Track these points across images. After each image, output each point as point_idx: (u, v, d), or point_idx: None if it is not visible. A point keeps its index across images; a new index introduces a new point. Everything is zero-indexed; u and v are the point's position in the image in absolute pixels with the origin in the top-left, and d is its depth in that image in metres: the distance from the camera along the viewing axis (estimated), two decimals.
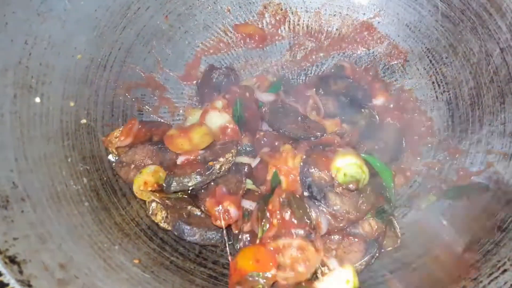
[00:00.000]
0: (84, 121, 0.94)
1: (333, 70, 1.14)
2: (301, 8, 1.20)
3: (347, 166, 0.83)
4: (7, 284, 0.59)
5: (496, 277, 0.67)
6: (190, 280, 0.81)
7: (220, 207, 0.82)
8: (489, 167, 0.89)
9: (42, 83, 0.89)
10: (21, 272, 0.61)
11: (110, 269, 0.74)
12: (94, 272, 0.71)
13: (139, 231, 0.86)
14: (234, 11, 1.17)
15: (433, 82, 1.07)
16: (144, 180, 0.88)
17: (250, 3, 1.19)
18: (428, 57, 1.08)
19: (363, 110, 1.03)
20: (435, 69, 1.07)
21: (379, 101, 1.08)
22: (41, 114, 0.87)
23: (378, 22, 1.16)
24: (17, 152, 0.78)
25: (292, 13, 1.20)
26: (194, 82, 1.14)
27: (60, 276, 0.65)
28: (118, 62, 1.04)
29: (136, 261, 0.79)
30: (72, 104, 0.94)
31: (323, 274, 0.78)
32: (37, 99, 0.87)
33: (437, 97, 1.06)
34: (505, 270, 0.68)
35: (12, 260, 0.62)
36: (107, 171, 0.93)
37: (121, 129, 0.95)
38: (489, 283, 0.67)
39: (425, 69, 1.09)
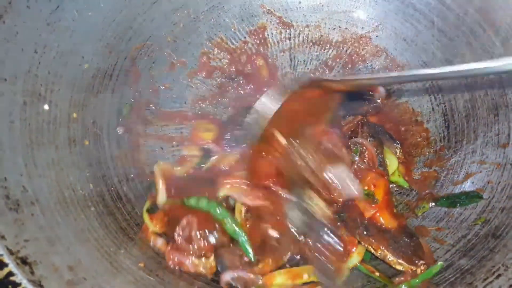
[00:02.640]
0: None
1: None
2: (302, 21, 1.24)
3: None
4: (19, 284, 0.61)
5: (490, 282, 0.70)
6: (192, 283, 0.83)
7: None
8: (483, 177, 0.92)
9: (50, 91, 0.91)
10: (32, 272, 0.63)
11: (116, 272, 0.75)
12: (101, 275, 0.72)
13: (143, 237, 0.88)
14: (237, 23, 1.21)
15: (429, 95, 1.10)
16: None
17: (252, 15, 1.22)
18: (423, 66, 1.11)
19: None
20: (432, 82, 1.10)
21: None
22: (49, 121, 0.89)
23: (376, 36, 1.19)
24: (27, 157, 0.80)
25: (293, 26, 1.24)
26: None
27: (69, 277, 0.67)
28: (124, 72, 1.07)
29: (141, 265, 0.81)
30: (75, 115, 0.96)
31: None
32: (46, 107, 0.89)
33: (433, 109, 1.09)
34: (499, 275, 0.70)
35: (23, 261, 0.64)
36: (112, 178, 0.95)
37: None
38: (484, 287, 0.70)
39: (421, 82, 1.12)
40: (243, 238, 0.86)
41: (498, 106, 0.96)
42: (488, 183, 0.90)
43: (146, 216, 0.90)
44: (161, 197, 0.93)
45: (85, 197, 0.86)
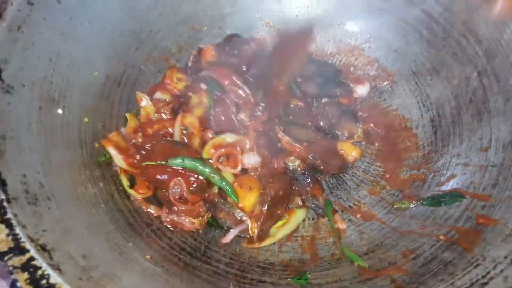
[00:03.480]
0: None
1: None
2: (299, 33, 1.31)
3: None
4: (40, 267, 0.67)
5: (469, 271, 0.76)
6: (196, 275, 0.88)
7: None
8: (466, 178, 0.98)
9: (64, 97, 0.98)
10: (51, 258, 0.69)
11: (125, 262, 0.81)
12: (111, 264, 0.78)
13: (149, 232, 0.95)
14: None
15: (418, 102, 1.17)
16: None
17: (251, 28, 1.30)
18: (414, 79, 1.19)
19: None
20: (420, 90, 1.17)
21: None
22: (62, 124, 0.95)
23: (369, 47, 1.27)
24: (43, 156, 0.86)
25: None
26: None
27: (83, 264, 0.73)
28: (131, 79, 1.14)
29: (148, 257, 0.86)
30: (86, 119, 1.02)
31: None
32: (59, 111, 0.96)
33: (421, 115, 1.16)
34: (477, 265, 0.76)
35: (43, 248, 0.70)
36: (120, 176, 1.01)
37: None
38: (463, 276, 0.76)
39: (411, 90, 1.19)
40: (227, 186, 0.97)
41: (481, 112, 1.02)
42: (471, 183, 0.96)
43: (131, 192, 0.99)
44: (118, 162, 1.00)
45: (96, 195, 0.92)
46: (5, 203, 0.72)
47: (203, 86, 1.09)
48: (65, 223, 0.79)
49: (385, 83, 1.23)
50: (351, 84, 1.18)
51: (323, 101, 1.12)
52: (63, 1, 0.99)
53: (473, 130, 1.03)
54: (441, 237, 0.89)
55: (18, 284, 0.66)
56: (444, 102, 1.12)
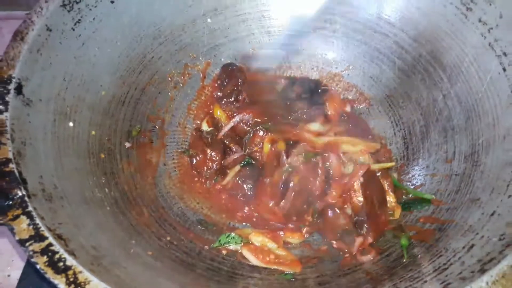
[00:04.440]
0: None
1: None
2: (286, 62, 1.46)
3: None
4: (58, 252, 0.76)
5: (433, 261, 0.86)
6: (192, 269, 0.98)
7: None
8: (434, 186, 1.10)
9: (74, 112, 1.08)
10: (66, 245, 0.78)
11: (129, 255, 0.90)
12: (117, 256, 0.87)
13: (150, 233, 1.04)
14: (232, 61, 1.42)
15: (392, 122, 1.30)
16: None
17: (244, 57, 1.44)
18: (387, 102, 1.33)
19: None
20: (393, 111, 1.31)
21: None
22: (73, 136, 1.06)
23: (348, 74, 1.41)
24: (56, 163, 0.96)
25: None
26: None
27: (93, 253, 0.82)
28: (134, 99, 1.25)
29: (150, 253, 0.96)
30: (93, 132, 1.13)
31: None
32: (71, 124, 1.06)
33: (395, 134, 1.29)
34: (440, 255, 0.87)
35: (59, 237, 0.79)
36: (123, 185, 1.11)
37: None
38: (428, 265, 0.86)
39: (385, 111, 1.33)
40: None
41: (446, 130, 1.16)
42: (438, 190, 1.08)
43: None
44: None
45: (102, 199, 1.02)
46: (26, 198, 0.82)
47: None
48: (76, 220, 0.89)
49: (362, 105, 1.37)
50: (332, 88, 1.34)
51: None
52: (76, 28, 1.12)
53: (440, 145, 1.16)
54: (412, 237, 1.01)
55: (38, 266, 0.75)
56: (414, 122, 1.25)
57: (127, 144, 1.19)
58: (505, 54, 1.04)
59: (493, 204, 0.89)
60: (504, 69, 1.04)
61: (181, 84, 1.37)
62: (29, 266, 1.20)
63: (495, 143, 1.01)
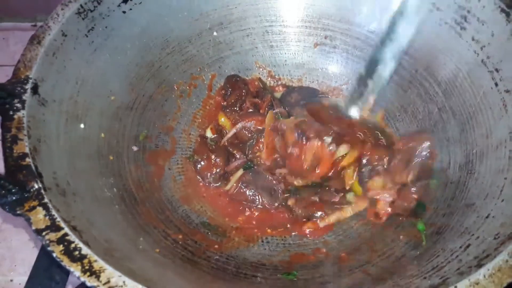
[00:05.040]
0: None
1: None
2: (287, 75, 1.52)
3: None
4: (73, 242, 0.78)
5: (431, 260, 0.90)
6: (198, 267, 1.00)
7: None
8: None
9: (85, 115, 1.11)
10: (81, 236, 0.80)
11: (138, 251, 0.93)
12: (127, 251, 0.90)
13: (156, 232, 1.06)
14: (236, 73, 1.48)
15: None
16: None
17: (247, 69, 1.50)
18: (385, 115, 1.38)
19: None
20: (391, 123, 1.36)
21: None
22: (84, 137, 1.09)
23: (347, 88, 1.47)
24: (68, 161, 0.99)
25: (280, 79, 1.51)
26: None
27: (106, 246, 0.84)
28: (142, 105, 1.30)
29: (157, 251, 0.98)
30: (103, 135, 1.17)
31: None
32: (82, 126, 1.09)
33: None
34: (438, 256, 0.90)
35: (74, 228, 0.81)
36: (130, 186, 1.14)
37: None
38: (426, 264, 0.90)
39: (383, 123, 1.38)
40: None
41: (441, 141, 1.21)
42: (434, 197, 1.13)
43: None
44: None
45: (111, 198, 1.05)
46: (42, 191, 0.84)
47: None
48: (88, 215, 0.91)
49: None
50: (329, 96, 1.39)
51: None
52: (89, 35, 1.16)
53: (435, 155, 1.21)
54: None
55: (54, 255, 0.77)
56: None
57: (135, 148, 1.22)
58: (497, 70, 1.10)
59: (487, 208, 0.94)
60: (496, 84, 1.10)
61: (187, 93, 1.41)
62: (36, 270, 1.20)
63: (488, 153, 1.06)
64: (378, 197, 1.19)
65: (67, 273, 1.18)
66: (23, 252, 1.34)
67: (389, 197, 1.17)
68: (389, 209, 1.17)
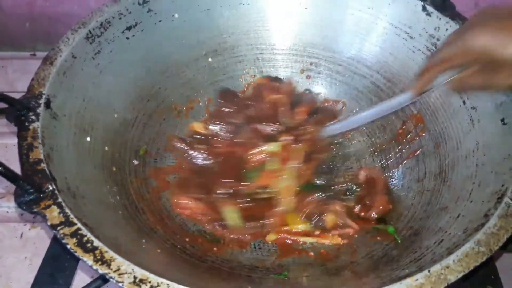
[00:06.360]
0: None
1: None
2: None
3: None
4: (86, 235, 0.86)
5: (409, 256, 1.00)
6: (196, 267, 1.08)
7: None
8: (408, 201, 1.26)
9: (91, 129, 1.21)
10: (92, 232, 0.87)
11: (142, 249, 1.01)
12: (133, 249, 0.97)
13: (156, 236, 1.14)
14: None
15: (370, 150, 1.47)
16: None
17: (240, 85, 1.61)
18: (366, 133, 1.50)
19: None
20: (371, 141, 1.48)
21: None
22: (89, 149, 1.18)
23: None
24: (76, 170, 1.08)
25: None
26: None
27: (114, 242, 0.91)
28: (142, 123, 1.39)
29: (159, 251, 1.06)
30: (106, 148, 1.26)
31: None
32: (88, 138, 1.18)
33: (373, 160, 1.45)
34: (415, 251, 1.00)
35: (85, 225, 0.89)
36: (132, 195, 1.22)
37: None
38: (405, 259, 1.00)
39: (364, 141, 1.49)
40: None
41: (418, 154, 1.33)
42: (412, 205, 1.24)
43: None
44: None
45: (114, 205, 1.13)
46: (56, 192, 0.93)
47: None
48: (96, 216, 0.99)
49: (343, 138, 1.53)
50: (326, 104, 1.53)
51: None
52: (96, 58, 1.28)
53: (412, 167, 1.33)
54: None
55: (68, 246, 0.85)
56: (389, 149, 1.43)
57: (135, 162, 1.31)
58: None
59: (458, 209, 1.05)
60: (464, 102, 1.23)
61: (183, 113, 1.52)
62: None
63: (459, 162, 1.18)
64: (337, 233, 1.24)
65: None
66: (18, 271, 1.34)
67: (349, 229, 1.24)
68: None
